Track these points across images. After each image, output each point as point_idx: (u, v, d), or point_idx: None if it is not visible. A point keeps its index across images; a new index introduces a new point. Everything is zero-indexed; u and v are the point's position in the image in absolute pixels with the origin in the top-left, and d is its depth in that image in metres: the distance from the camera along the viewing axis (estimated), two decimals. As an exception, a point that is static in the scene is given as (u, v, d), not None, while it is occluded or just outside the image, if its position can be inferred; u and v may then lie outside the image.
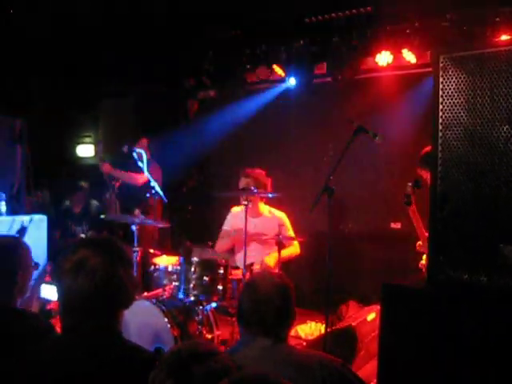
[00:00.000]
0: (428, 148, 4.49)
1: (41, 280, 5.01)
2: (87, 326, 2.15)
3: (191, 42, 7.50)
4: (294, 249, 5.65)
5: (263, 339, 2.44)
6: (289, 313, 2.54)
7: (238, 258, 5.52)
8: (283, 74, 6.90)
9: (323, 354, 2.60)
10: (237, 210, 5.84)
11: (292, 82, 6.95)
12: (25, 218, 5.15)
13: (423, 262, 4.40)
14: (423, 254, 4.45)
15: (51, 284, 4.89)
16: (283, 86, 7.11)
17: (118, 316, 2.25)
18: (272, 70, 6.89)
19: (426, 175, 4.37)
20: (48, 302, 4.87)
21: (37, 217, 5.34)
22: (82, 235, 6.72)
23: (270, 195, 5.46)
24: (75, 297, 2.14)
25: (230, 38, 7.27)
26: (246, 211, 5.04)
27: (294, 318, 2.58)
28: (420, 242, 4.51)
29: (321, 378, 2.31)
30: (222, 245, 5.75)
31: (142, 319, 4.53)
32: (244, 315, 2.54)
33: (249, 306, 2.52)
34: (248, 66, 7.11)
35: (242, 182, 5.49)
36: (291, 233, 5.63)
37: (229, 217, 5.90)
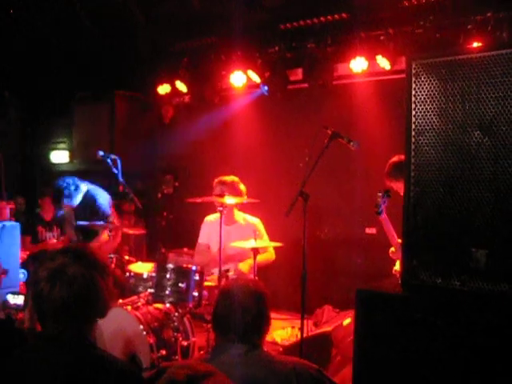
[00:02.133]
0: (394, 160, 4.56)
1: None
2: (62, 335, 2.12)
3: (167, 48, 7.49)
4: (269, 255, 5.63)
5: (239, 346, 2.44)
6: (264, 319, 2.55)
7: (214, 265, 5.49)
8: (258, 81, 6.90)
9: (299, 360, 2.60)
10: (210, 218, 5.80)
11: (267, 88, 6.95)
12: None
13: (396, 268, 4.42)
14: (396, 260, 4.48)
15: (18, 293, 4.75)
16: (258, 92, 7.11)
17: (93, 325, 2.23)
18: (247, 77, 6.88)
19: (395, 186, 4.42)
20: (16, 311, 4.75)
21: (9, 224, 5.28)
22: (54, 240, 6.64)
23: (246, 201, 5.45)
24: (52, 305, 2.10)
25: (205, 44, 7.28)
26: (221, 217, 5.03)
27: (269, 324, 2.59)
28: (393, 249, 4.54)
29: (296, 384, 2.32)
30: (199, 262, 5.65)
31: (117, 326, 4.49)
32: (219, 322, 2.54)
33: (224, 313, 2.51)
34: (223, 72, 7.10)
35: (217, 190, 5.45)
36: (266, 238, 5.62)
37: (203, 227, 5.84)
